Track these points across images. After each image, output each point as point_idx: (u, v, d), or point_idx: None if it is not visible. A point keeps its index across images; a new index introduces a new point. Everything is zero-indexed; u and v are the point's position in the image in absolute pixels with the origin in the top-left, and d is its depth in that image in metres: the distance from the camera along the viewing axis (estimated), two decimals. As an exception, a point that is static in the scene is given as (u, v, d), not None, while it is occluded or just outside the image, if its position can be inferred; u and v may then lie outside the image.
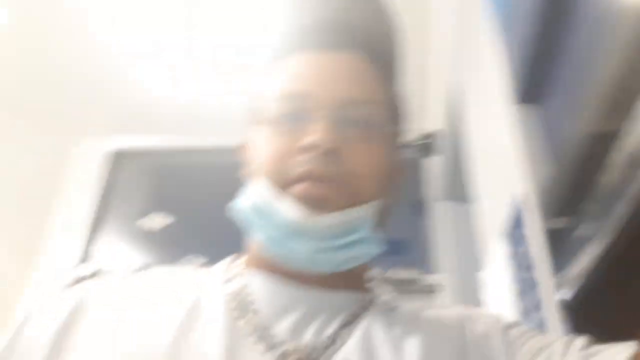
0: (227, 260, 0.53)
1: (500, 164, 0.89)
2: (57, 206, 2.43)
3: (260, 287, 0.48)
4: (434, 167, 1.99)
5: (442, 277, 1.89)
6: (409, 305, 0.51)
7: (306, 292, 0.48)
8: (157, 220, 2.64)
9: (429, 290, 1.96)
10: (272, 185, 0.46)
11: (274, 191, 0.46)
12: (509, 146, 0.81)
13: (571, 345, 0.42)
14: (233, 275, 0.50)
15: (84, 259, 2.29)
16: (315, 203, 0.45)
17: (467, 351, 0.45)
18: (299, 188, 0.45)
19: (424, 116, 2.16)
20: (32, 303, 0.49)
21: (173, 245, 2.76)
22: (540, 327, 0.69)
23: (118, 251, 2.52)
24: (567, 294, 0.62)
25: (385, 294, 0.52)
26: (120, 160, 2.59)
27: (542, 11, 0.68)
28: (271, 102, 0.50)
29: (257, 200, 0.47)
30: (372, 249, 0.48)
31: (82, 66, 2.21)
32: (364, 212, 0.47)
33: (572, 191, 0.63)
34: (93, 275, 2.10)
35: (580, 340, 0.42)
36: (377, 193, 0.49)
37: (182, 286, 0.49)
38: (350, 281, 0.50)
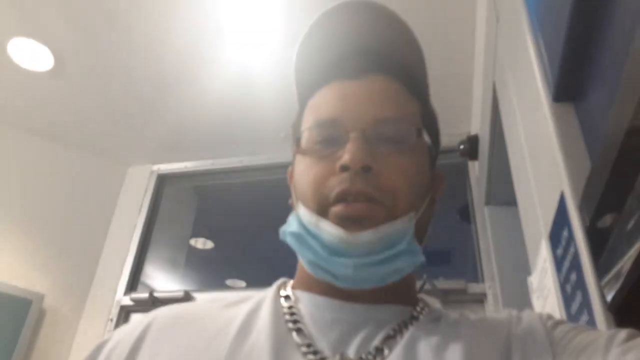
0: (278, 282, 0.57)
1: (541, 165, 0.87)
2: (110, 227, 2.55)
3: (306, 306, 0.51)
4: (479, 171, 1.96)
5: (491, 285, 1.84)
6: (454, 314, 0.52)
7: (350, 308, 0.50)
8: (199, 244, 2.74)
9: (478, 300, 1.91)
10: (314, 210, 0.49)
11: (315, 215, 0.48)
12: (548, 146, 0.79)
13: (614, 339, 0.41)
14: (283, 295, 0.53)
15: (133, 280, 2.38)
16: (353, 221, 0.47)
17: (511, 347, 0.45)
18: (337, 209, 0.48)
19: (471, 120, 2.13)
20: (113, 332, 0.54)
21: (213, 269, 2.83)
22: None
23: (162, 273, 2.62)
24: (613, 294, 0.60)
25: (431, 305, 0.53)
26: (164, 182, 2.70)
27: (577, 8, 0.67)
28: (307, 132, 0.53)
29: (300, 225, 0.50)
30: (413, 261, 0.49)
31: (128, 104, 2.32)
32: (401, 226, 0.48)
33: (614, 189, 0.61)
34: (150, 299, 2.18)
35: (624, 333, 0.41)
36: (413, 205, 0.50)
37: (238, 305, 0.53)
38: (395, 295, 0.52)
